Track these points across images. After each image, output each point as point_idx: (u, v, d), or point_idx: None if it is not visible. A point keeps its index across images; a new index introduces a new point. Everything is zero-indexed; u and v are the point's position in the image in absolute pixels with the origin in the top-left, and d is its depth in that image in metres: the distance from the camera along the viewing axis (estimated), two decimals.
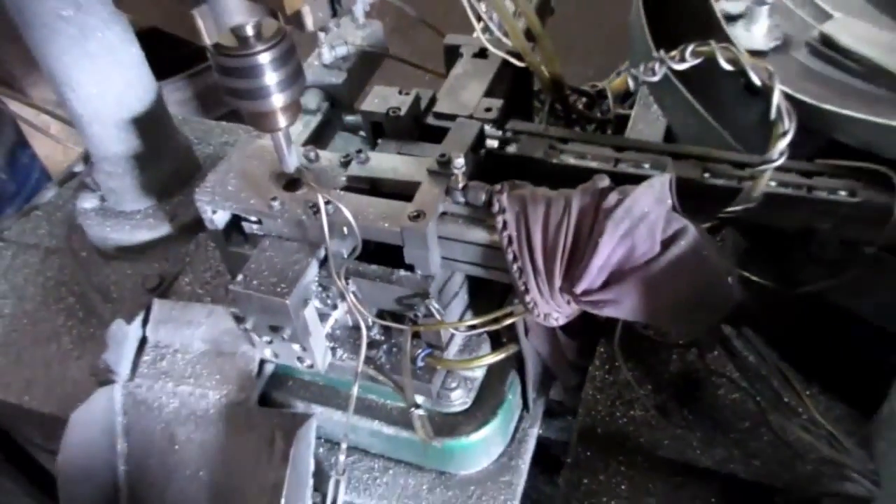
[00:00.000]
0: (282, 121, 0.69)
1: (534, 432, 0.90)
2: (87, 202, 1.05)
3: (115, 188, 1.00)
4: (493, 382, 0.86)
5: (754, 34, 0.79)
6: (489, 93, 0.87)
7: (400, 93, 0.84)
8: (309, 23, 0.52)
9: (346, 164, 0.78)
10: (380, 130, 0.85)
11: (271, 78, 0.64)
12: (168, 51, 0.96)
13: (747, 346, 0.84)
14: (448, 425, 0.82)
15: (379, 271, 0.74)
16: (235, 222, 0.81)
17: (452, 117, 0.84)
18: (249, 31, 0.61)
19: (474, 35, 0.92)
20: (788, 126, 0.60)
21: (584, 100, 1.19)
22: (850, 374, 0.85)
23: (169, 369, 0.88)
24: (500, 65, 0.90)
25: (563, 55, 0.93)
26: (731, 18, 0.81)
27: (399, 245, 0.71)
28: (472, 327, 0.76)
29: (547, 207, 0.65)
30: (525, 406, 0.89)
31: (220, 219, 0.80)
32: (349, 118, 0.90)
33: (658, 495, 0.94)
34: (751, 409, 0.95)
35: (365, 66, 0.92)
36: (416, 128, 0.85)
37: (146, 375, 0.89)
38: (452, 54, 0.95)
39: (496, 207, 0.67)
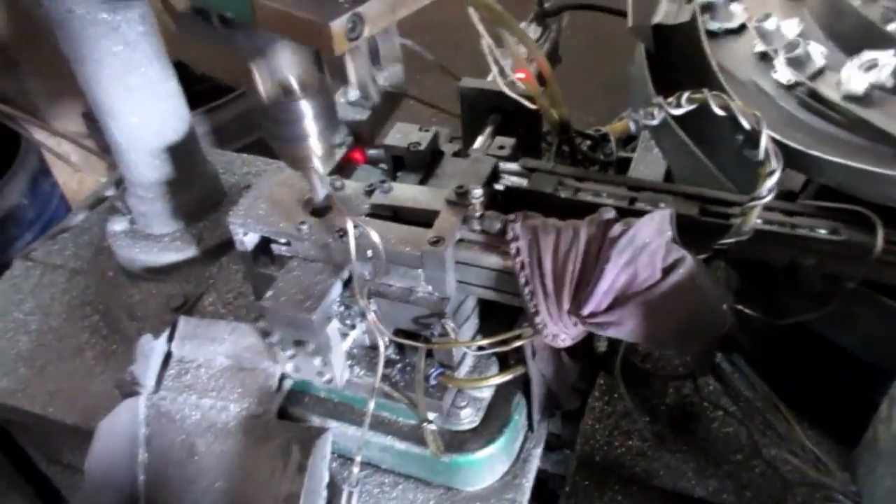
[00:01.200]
0: (316, 161, 0.75)
1: (538, 452, 0.95)
2: (118, 225, 1.10)
3: (146, 212, 1.06)
4: (500, 403, 0.90)
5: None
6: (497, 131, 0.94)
7: (420, 129, 0.91)
8: (352, 76, 0.60)
9: (369, 192, 0.84)
10: (400, 163, 0.91)
11: (311, 127, 0.71)
12: (186, 86, 1.03)
13: (739, 375, 0.89)
14: (457, 442, 0.87)
15: (398, 292, 0.80)
16: (263, 245, 0.87)
17: (467, 155, 0.91)
18: (294, 83, 0.68)
19: (489, 78, 0.99)
20: (775, 166, 0.67)
21: (588, 142, 1.27)
22: (834, 405, 0.90)
23: (192, 383, 0.93)
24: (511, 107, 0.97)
25: (567, 101, 1.01)
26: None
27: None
28: (483, 347, 0.82)
29: (557, 236, 0.71)
30: (530, 427, 0.94)
31: (249, 241, 0.86)
32: (371, 152, 0.96)
33: None
34: (743, 441, 0.99)
35: (386, 104, 0.99)
36: (434, 162, 0.91)
37: (170, 388, 0.93)
38: (466, 96, 1.02)
39: (510, 235, 0.73)
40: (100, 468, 0.90)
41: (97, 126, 1.99)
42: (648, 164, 0.93)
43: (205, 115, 1.92)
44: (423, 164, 0.90)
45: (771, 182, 0.68)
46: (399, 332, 0.85)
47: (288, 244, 0.84)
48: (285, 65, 0.61)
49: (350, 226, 0.74)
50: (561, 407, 0.96)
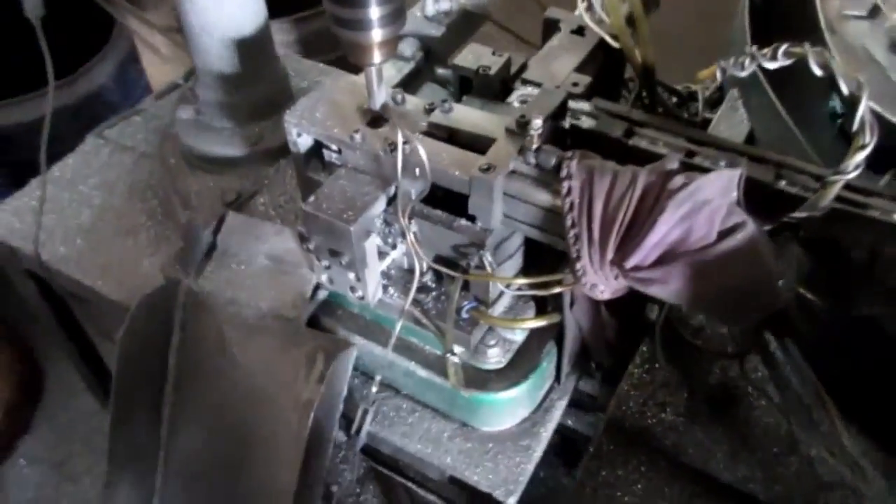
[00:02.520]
0: (376, 56, 0.72)
1: (561, 405, 0.92)
2: (185, 113, 1.11)
3: (211, 102, 1.06)
4: (531, 349, 0.88)
5: None
6: (580, 69, 0.89)
7: (493, 53, 0.86)
8: None
9: (429, 111, 0.81)
10: (467, 86, 0.87)
11: (374, 12, 0.68)
12: None
13: (788, 359, 0.83)
14: (480, 379, 0.85)
15: (442, 216, 0.78)
16: (316, 149, 0.86)
17: (539, 85, 0.86)
18: None
19: (576, 12, 0.93)
20: (868, 140, 0.60)
21: (674, 99, 1.19)
22: (890, 410, 0.84)
23: (231, 277, 0.94)
24: (596, 44, 0.91)
25: (660, 56, 0.93)
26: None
27: (465, 194, 0.74)
28: (519, 287, 0.78)
29: (613, 179, 0.66)
30: (557, 378, 0.91)
31: (303, 142, 0.85)
32: (440, 71, 0.93)
33: (671, 500, 0.95)
34: (783, 434, 0.94)
35: (464, 25, 0.95)
36: (502, 89, 0.87)
37: (209, 278, 0.95)
38: (550, 28, 0.97)
39: (564, 173, 0.69)
40: (135, 340, 0.93)
41: None
42: (732, 124, 0.86)
43: (293, 23, 1.91)
44: (490, 89, 0.86)
45: (860, 157, 0.61)
46: (439, 260, 0.82)
47: (339, 152, 0.82)
48: None
49: (399, 138, 0.72)
50: (594, 364, 0.93)
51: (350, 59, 0.74)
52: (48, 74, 1.06)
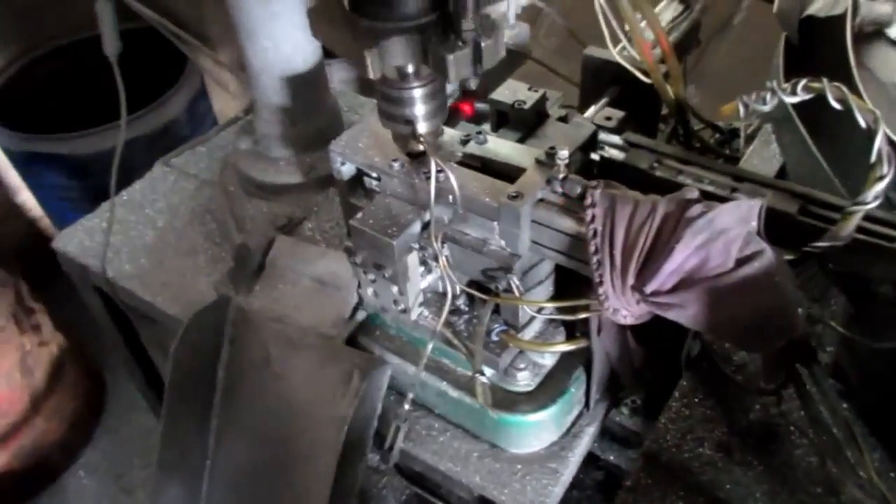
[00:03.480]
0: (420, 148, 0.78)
1: (591, 431, 0.93)
2: (243, 144, 1.19)
3: (268, 134, 1.13)
4: (560, 373, 0.90)
5: None
6: (613, 104, 0.92)
7: (529, 89, 0.91)
8: (452, 75, 0.62)
9: (465, 142, 0.85)
10: (504, 119, 0.92)
11: (419, 111, 0.74)
12: None
13: (820, 394, 0.83)
14: (509, 401, 0.88)
15: (472, 240, 0.81)
16: (358, 177, 0.91)
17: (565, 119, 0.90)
18: (410, 69, 0.71)
19: (615, 50, 0.97)
20: (886, 171, 0.61)
21: (717, 135, 1.21)
22: None
23: (278, 296, 1.00)
24: (630, 81, 0.94)
25: (702, 89, 0.96)
26: None
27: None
28: (548, 311, 0.81)
29: (634, 208, 0.69)
30: (586, 404, 0.93)
31: (346, 171, 0.90)
32: (479, 106, 0.97)
33: None
34: (824, 475, 0.93)
35: (506, 62, 0.99)
36: (537, 123, 0.91)
37: (257, 296, 1.01)
38: (589, 65, 1.00)
39: (588, 201, 0.72)
40: (187, 352, 0.99)
41: None
42: (764, 159, 0.87)
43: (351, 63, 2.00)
44: (525, 123, 0.90)
45: (878, 188, 0.62)
46: (471, 284, 0.86)
47: (378, 179, 0.87)
48: (395, 56, 0.65)
49: (433, 166, 0.76)
50: (621, 396, 0.94)
51: (398, 146, 0.81)
52: (121, 107, 1.16)
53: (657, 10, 1.07)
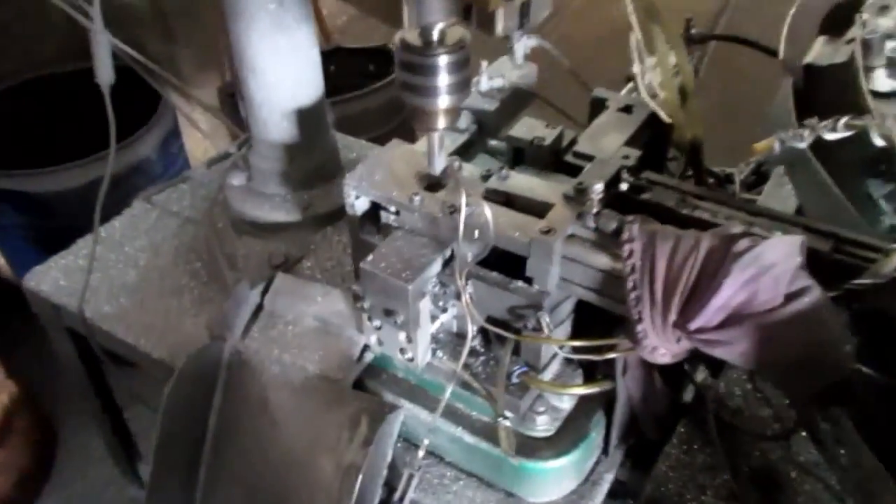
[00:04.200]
0: (441, 122, 0.75)
1: (609, 477, 0.90)
2: (236, 179, 1.14)
3: (264, 170, 1.09)
4: (579, 417, 0.87)
5: None
6: (629, 143, 0.92)
7: (546, 126, 0.90)
8: (499, 27, 0.59)
9: (486, 178, 0.83)
10: (520, 157, 0.90)
11: (443, 80, 0.71)
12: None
13: (841, 437, 0.81)
14: (528, 447, 0.84)
15: (498, 278, 0.79)
16: (372, 212, 0.88)
17: (590, 157, 0.89)
18: (435, 34, 0.69)
19: (622, 92, 0.98)
20: None
21: (711, 180, 1.22)
22: None
23: (277, 337, 0.94)
24: (644, 121, 0.94)
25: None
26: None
27: (522, 257, 0.76)
28: (576, 350, 0.78)
29: (676, 242, 0.68)
30: (605, 450, 0.90)
31: (359, 205, 0.87)
32: (493, 143, 0.96)
33: None
34: None
35: (516, 101, 0.99)
36: (554, 161, 0.90)
37: (255, 339, 0.95)
38: (597, 106, 1.00)
39: (626, 236, 0.70)
40: (178, 401, 0.92)
41: (229, 100, 2.09)
42: (779, 199, 0.88)
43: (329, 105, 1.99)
44: (543, 160, 0.88)
45: None
46: (491, 323, 0.83)
47: (397, 213, 0.84)
48: (433, 10, 0.62)
49: (463, 200, 0.74)
50: (643, 435, 0.91)
51: (414, 125, 0.77)
52: (111, 138, 1.10)
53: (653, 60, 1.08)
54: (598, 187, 0.72)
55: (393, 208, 0.84)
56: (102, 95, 1.06)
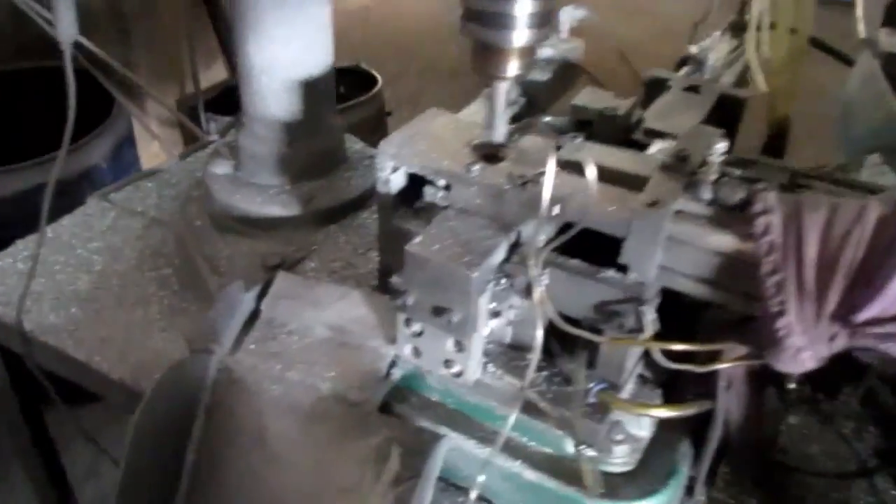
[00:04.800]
0: (513, 67, 0.60)
1: None
2: (220, 168, 0.96)
3: (258, 155, 0.91)
4: (661, 448, 0.70)
5: None
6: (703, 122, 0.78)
7: (615, 96, 0.76)
8: None
9: (559, 148, 0.68)
10: (584, 130, 0.75)
11: (524, 6, 0.57)
12: None
13: None
14: (606, 486, 0.66)
15: (582, 266, 0.62)
16: (407, 191, 0.71)
17: (665, 135, 0.75)
18: None
19: (680, 73, 0.86)
20: None
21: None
22: None
23: (279, 351, 0.75)
24: (717, 99, 0.82)
25: None
26: None
27: (608, 242, 0.60)
28: (677, 359, 0.62)
29: (831, 213, 0.53)
30: (689, 490, 0.73)
31: (395, 181, 0.70)
32: (548, 119, 0.81)
33: None
34: None
35: (563, 76, 0.85)
36: (624, 138, 0.75)
37: (251, 353, 0.76)
38: (655, 87, 0.87)
39: (759, 207, 0.55)
40: (147, 431, 0.71)
41: (191, 113, 1.90)
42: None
43: None
44: (614, 134, 0.74)
45: None
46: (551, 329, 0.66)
47: (446, 189, 0.67)
48: None
49: (551, 161, 0.58)
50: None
51: (478, 71, 0.62)
52: (66, 132, 0.91)
53: (709, 41, 0.96)
54: (722, 145, 0.58)
55: (442, 182, 0.67)
56: (44, 99, 0.88)
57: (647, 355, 0.70)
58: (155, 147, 1.88)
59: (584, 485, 0.65)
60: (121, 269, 0.98)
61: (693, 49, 0.89)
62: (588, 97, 0.76)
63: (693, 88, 0.85)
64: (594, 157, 0.66)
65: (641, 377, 0.73)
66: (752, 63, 0.77)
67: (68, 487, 1.19)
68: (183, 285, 0.94)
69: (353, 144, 1.03)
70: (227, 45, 2.38)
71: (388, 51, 3.43)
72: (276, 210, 0.91)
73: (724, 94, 0.83)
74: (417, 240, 0.63)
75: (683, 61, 0.92)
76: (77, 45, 1.18)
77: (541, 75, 0.82)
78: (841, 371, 0.91)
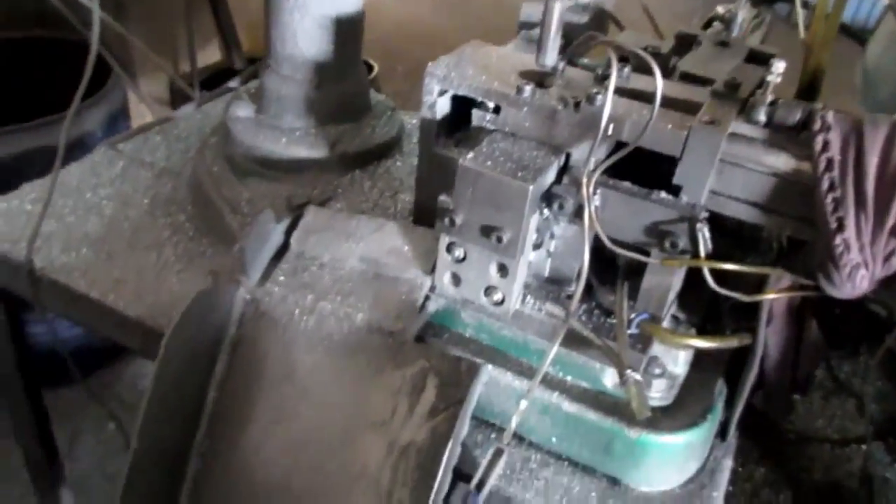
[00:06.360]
0: None
1: (728, 465, 0.73)
2: (242, 111, 0.94)
3: (284, 97, 0.89)
4: (696, 386, 0.70)
5: None
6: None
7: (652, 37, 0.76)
8: None
9: (603, 77, 0.68)
10: None
11: None
12: None
13: None
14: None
15: (634, 188, 0.62)
16: (451, 118, 0.71)
17: (703, 80, 0.75)
18: None
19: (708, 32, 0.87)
20: None
21: None
22: None
23: (311, 282, 0.74)
24: (747, 54, 0.82)
25: None
26: None
27: (656, 167, 0.60)
28: (725, 284, 0.62)
29: (892, 130, 0.54)
30: (723, 430, 0.73)
31: (441, 105, 0.69)
32: (585, 61, 0.81)
33: None
34: None
35: (597, 23, 0.85)
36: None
37: (281, 284, 0.74)
38: (684, 42, 0.88)
39: (818, 125, 0.56)
40: (168, 369, 0.68)
41: (181, 96, 1.87)
42: None
43: None
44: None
45: None
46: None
47: (496, 111, 0.67)
48: None
49: (614, 70, 0.58)
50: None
51: None
52: (80, 88, 0.89)
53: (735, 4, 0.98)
54: (781, 65, 0.58)
55: (491, 105, 0.67)
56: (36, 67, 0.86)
57: (682, 295, 0.70)
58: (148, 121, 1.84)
59: (626, 414, 0.64)
60: (132, 215, 0.95)
61: (720, 9, 0.90)
62: (628, 37, 0.77)
63: (723, 44, 0.86)
64: (645, 86, 0.66)
65: (675, 318, 0.73)
66: (801, 23, 0.78)
67: (57, 457, 1.15)
68: (199, 231, 0.92)
69: (376, 96, 1.02)
70: (224, 25, 2.36)
71: (374, 52, 3.44)
72: (301, 151, 0.89)
73: (754, 50, 0.83)
74: (471, 154, 0.62)
75: (710, 21, 0.93)
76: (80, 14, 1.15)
77: (578, 18, 0.82)
78: (862, 330, 0.92)
